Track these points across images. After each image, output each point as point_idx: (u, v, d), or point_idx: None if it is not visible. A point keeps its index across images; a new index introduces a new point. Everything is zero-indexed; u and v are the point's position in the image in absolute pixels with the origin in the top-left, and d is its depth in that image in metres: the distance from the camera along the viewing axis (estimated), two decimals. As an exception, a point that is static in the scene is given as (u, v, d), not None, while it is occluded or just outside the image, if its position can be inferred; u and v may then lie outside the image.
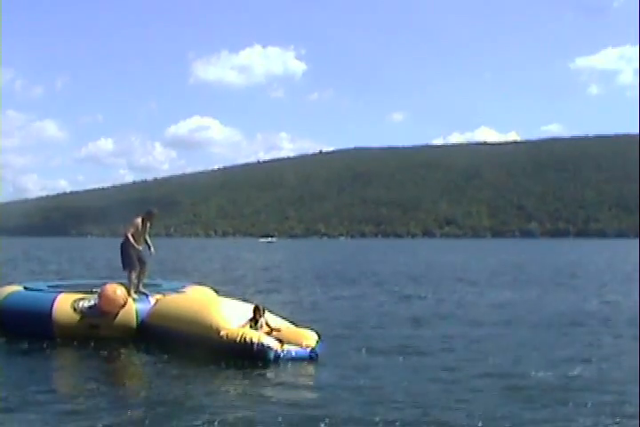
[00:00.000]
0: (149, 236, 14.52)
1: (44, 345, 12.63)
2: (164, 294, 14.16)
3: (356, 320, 16.88)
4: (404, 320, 17.05)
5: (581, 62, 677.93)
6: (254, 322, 12.32)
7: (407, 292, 25.03)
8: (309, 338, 12.07)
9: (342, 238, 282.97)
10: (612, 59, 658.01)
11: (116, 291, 13.37)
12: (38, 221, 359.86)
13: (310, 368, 11.16)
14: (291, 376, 10.49)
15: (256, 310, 12.41)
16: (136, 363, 11.96)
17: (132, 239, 14.13)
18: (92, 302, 13.42)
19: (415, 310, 19.28)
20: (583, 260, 62.54)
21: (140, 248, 14.29)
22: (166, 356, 11.79)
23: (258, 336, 11.59)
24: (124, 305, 13.39)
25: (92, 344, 12.57)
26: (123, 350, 12.37)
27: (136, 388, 10.02)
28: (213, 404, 8.72)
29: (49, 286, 15.07)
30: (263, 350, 11.34)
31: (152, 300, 13.83)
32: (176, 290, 14.84)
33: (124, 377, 10.92)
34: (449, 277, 35.51)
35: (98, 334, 13.20)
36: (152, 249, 14.44)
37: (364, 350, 12.43)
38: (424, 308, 20.04)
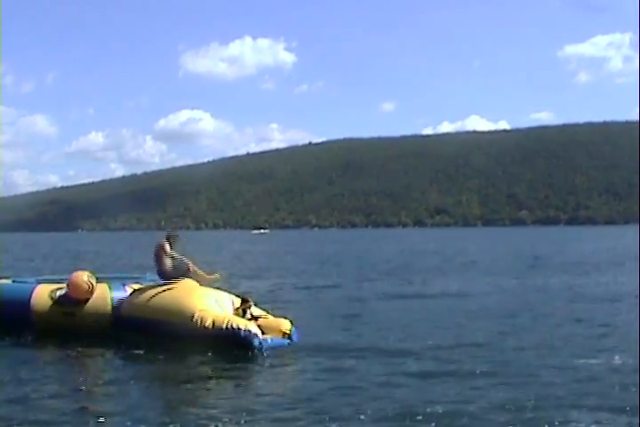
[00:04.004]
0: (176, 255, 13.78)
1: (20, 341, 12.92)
2: (141, 284, 14.22)
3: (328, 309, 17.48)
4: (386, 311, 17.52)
5: (570, 50, 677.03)
6: (242, 312, 12.58)
7: (408, 284, 25.14)
8: (285, 326, 12.36)
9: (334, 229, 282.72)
10: (602, 46, 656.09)
11: (83, 277, 13.53)
12: (30, 216, 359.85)
13: (289, 359, 11.32)
14: (271, 370, 10.62)
15: (244, 301, 12.69)
16: (111, 363, 11.66)
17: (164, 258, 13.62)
18: (65, 291, 13.69)
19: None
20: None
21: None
22: (142, 351, 11.81)
23: (245, 323, 11.77)
24: (91, 292, 13.53)
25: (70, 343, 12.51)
26: (98, 348, 12.37)
27: (109, 393, 9.52)
28: (198, 406, 8.71)
29: (37, 280, 15.17)
30: (250, 336, 11.49)
31: (128, 289, 13.93)
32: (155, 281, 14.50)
33: (95, 381, 10.21)
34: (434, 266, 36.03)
35: (74, 322, 13.41)
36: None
37: (337, 339, 12.82)
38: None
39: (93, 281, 13.67)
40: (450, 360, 10.98)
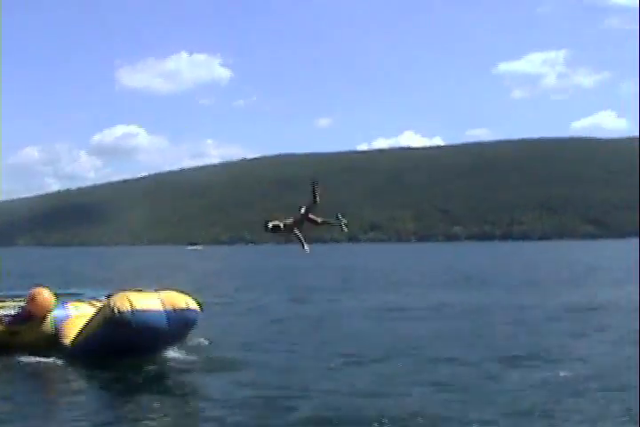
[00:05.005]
0: None
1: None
2: (83, 301, 14.94)
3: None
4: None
5: (504, 67, 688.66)
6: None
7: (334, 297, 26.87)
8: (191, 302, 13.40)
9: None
10: (537, 63, 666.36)
11: (44, 294, 14.10)
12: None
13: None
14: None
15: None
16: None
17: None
18: (15, 310, 14.18)
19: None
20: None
21: None
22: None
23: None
24: (50, 309, 14.03)
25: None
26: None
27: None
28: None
29: None
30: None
31: (69, 307, 14.52)
32: (97, 298, 15.21)
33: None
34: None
35: (20, 340, 13.78)
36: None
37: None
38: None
39: (53, 299, 14.19)
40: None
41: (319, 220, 14.12)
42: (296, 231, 14.05)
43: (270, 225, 13.72)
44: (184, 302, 13.12)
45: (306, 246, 13.95)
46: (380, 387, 10.72)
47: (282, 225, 13.69)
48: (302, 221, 13.83)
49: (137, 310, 12.47)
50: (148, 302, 12.71)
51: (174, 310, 12.89)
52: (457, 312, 21.84)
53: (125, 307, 12.43)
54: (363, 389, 10.78)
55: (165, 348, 13.58)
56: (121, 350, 12.50)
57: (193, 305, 13.19)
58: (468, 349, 14.50)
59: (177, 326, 12.87)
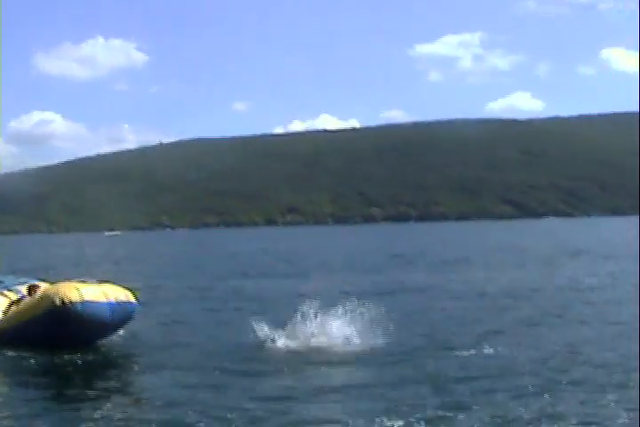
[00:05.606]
0: None
1: None
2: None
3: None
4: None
5: (421, 49, 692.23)
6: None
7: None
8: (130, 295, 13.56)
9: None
10: (452, 45, 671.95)
11: None
12: None
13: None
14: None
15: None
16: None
17: None
18: None
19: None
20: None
21: None
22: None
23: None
24: None
25: None
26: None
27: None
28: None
29: None
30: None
31: None
32: (8, 288, 15.26)
33: None
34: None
35: None
36: None
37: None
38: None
39: None
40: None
41: None
42: None
43: None
44: (124, 294, 13.21)
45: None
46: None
47: None
48: None
49: (86, 301, 12.40)
50: (94, 293, 12.51)
51: (116, 302, 12.92)
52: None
53: (75, 297, 12.18)
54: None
55: (102, 339, 13.71)
56: (59, 341, 12.30)
57: (131, 298, 13.36)
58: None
59: (118, 318, 12.81)
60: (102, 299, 12.62)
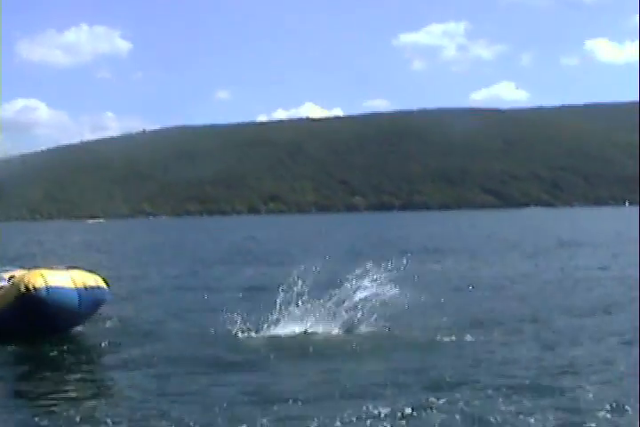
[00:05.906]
0: None
1: None
2: None
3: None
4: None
5: (405, 38, 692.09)
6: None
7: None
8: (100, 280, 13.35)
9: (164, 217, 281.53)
10: (436, 35, 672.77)
11: None
12: None
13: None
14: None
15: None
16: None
17: None
18: None
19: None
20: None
21: None
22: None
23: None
24: None
25: None
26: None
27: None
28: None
29: None
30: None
31: None
32: None
33: None
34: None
35: None
36: None
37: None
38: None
39: None
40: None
41: None
42: None
43: None
44: (93, 279, 13.03)
45: None
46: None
47: None
48: None
49: (51, 287, 12.19)
50: (61, 279, 12.25)
51: (85, 288, 12.72)
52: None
53: (40, 283, 12.08)
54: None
55: (73, 327, 13.53)
56: (29, 328, 12.08)
57: (101, 283, 13.14)
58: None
59: (87, 305, 12.54)
60: (69, 285, 12.39)
